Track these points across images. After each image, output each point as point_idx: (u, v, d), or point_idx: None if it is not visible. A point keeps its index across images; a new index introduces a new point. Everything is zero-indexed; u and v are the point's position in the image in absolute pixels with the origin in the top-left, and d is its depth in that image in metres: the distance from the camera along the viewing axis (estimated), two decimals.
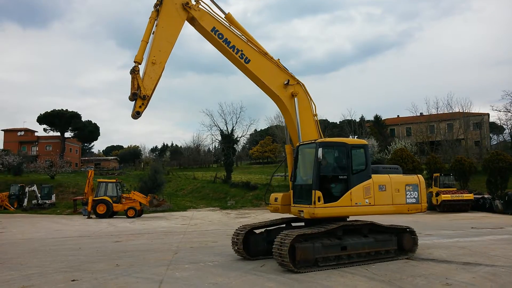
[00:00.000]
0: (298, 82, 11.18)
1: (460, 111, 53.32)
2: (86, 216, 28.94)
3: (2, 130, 76.09)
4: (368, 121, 64.71)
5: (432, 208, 29.56)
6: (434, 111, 55.68)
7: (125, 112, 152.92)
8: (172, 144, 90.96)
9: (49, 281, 8.32)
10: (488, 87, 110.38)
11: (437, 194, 28.97)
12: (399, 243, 10.25)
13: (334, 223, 9.45)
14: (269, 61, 10.92)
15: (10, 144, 70.53)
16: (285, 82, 10.93)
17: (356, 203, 9.55)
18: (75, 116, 69.16)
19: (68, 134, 72.74)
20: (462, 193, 28.81)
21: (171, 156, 77.37)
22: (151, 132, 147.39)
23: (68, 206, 36.02)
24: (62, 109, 69.12)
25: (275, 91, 10.86)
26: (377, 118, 62.73)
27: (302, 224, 10.35)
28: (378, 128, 60.79)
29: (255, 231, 10.78)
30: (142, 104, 9.19)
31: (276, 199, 10.78)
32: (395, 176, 10.57)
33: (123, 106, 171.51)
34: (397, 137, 60.45)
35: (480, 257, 10.27)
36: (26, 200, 36.93)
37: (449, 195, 28.25)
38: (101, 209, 28.33)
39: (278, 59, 11.15)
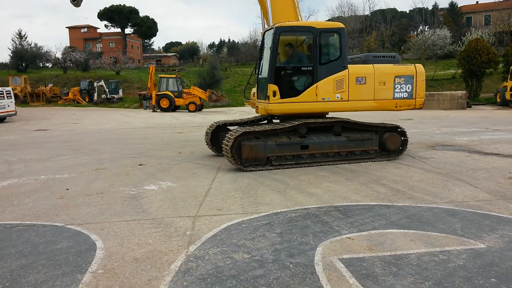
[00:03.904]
0: None
1: None
2: (151, 110, 30.66)
3: (66, 27, 78.94)
4: (442, 9, 58.49)
5: (505, 103, 27.53)
6: None
7: (179, 6, 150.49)
8: (229, 39, 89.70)
9: (119, 165, 9.10)
10: None
11: None
12: (381, 143, 9.00)
13: (298, 120, 8.43)
14: None
15: (75, 41, 73.50)
16: None
17: (323, 98, 8.40)
18: (133, 11, 69.57)
19: (128, 31, 73.98)
20: None
21: (229, 52, 76.79)
22: (207, 27, 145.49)
23: (135, 101, 38.10)
24: (120, 4, 69.56)
25: None
26: (452, 5, 56.41)
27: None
28: (453, 16, 54.99)
29: (229, 127, 10.17)
30: None
31: (254, 94, 9.77)
32: (381, 66, 8.89)
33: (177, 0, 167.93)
34: (474, 26, 54.53)
35: None
36: (96, 94, 39.47)
37: None
38: (164, 103, 29.68)
39: None
